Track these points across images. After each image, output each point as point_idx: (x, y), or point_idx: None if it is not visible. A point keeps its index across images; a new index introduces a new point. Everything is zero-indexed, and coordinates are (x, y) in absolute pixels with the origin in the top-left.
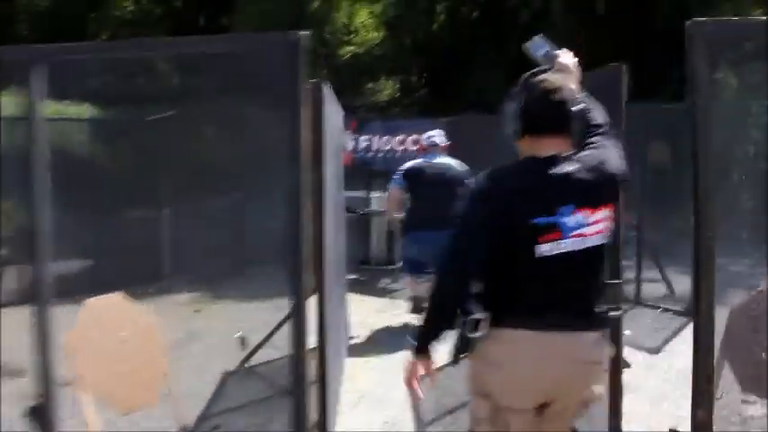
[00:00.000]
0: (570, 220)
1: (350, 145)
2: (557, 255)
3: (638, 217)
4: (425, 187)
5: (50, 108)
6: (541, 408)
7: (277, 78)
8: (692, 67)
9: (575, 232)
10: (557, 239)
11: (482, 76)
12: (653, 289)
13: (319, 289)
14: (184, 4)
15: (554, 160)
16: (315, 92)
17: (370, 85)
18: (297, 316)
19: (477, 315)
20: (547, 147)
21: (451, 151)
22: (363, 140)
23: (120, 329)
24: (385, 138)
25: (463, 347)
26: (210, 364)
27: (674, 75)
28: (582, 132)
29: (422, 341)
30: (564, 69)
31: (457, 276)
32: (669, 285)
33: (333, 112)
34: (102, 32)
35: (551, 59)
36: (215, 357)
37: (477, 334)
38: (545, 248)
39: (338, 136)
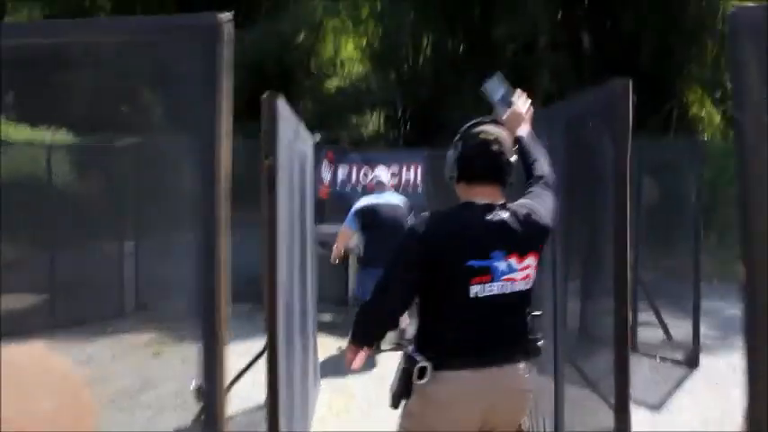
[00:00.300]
0: (501, 264)
1: (327, 177)
2: (488, 296)
3: (634, 256)
4: (379, 225)
5: (23, 133)
6: None
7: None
8: (736, 69)
9: (505, 276)
10: (488, 282)
11: (467, 110)
12: (648, 334)
13: (271, 338)
14: None
15: (489, 208)
16: (269, 107)
17: (355, 119)
18: (210, 394)
19: (422, 363)
20: (480, 193)
21: (434, 184)
22: (341, 173)
23: (40, 386)
24: (363, 170)
25: (406, 392)
26: (163, 417)
27: (660, 111)
28: (527, 177)
29: (352, 341)
30: (517, 113)
31: (382, 309)
32: (666, 331)
33: (293, 135)
34: None
35: (507, 104)
36: (168, 409)
37: (423, 381)
38: (477, 290)
39: (305, 163)
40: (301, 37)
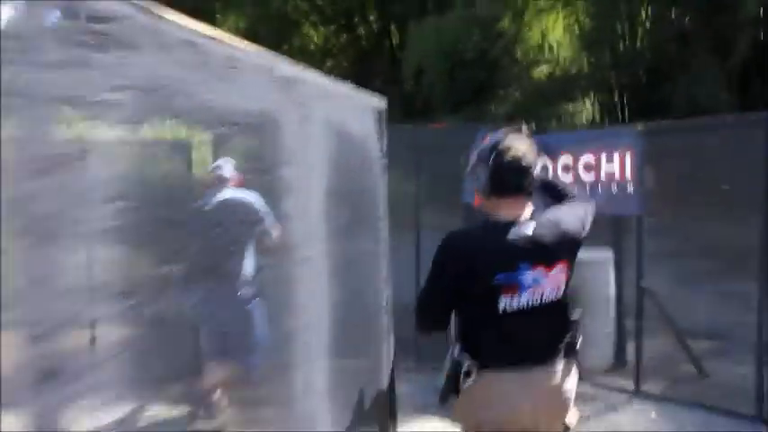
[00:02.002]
0: (528, 277)
1: (483, 176)
2: (516, 308)
3: None
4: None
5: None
6: None
7: None
8: None
9: (531, 288)
10: (515, 294)
11: (694, 84)
12: None
13: None
14: (366, 31)
15: (516, 222)
16: None
17: (567, 106)
18: None
19: (467, 365)
20: (510, 206)
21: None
22: None
23: None
24: (561, 159)
25: (453, 390)
26: None
27: None
28: (552, 194)
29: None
30: None
31: (426, 327)
32: None
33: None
34: None
35: None
36: None
37: (469, 381)
38: (505, 302)
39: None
40: (505, 21)
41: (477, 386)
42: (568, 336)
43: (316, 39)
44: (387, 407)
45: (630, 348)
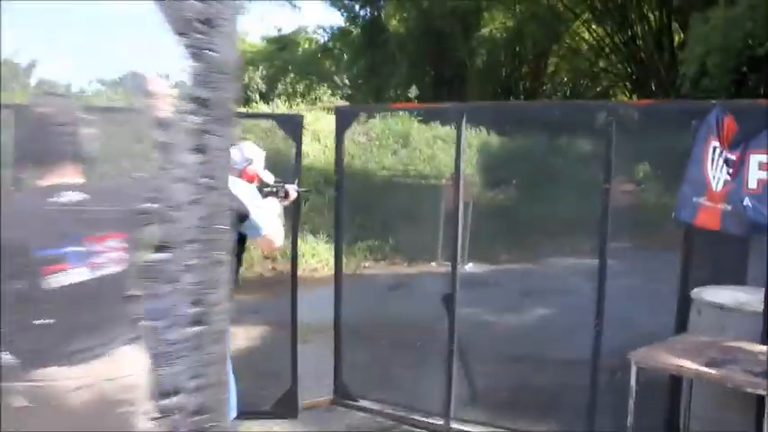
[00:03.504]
0: (78, 249)
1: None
2: (67, 286)
3: None
4: None
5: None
6: None
7: None
8: None
9: (85, 261)
10: (65, 270)
11: None
12: None
13: None
14: (643, 29)
15: (58, 188)
16: None
17: None
18: None
19: (8, 361)
20: (52, 176)
21: None
22: (724, 164)
23: None
24: None
25: None
26: None
27: None
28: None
29: None
30: (156, 94)
31: None
32: None
33: None
34: (560, 66)
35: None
36: None
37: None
38: (52, 280)
39: None
40: None
41: (27, 387)
42: (131, 317)
43: (588, 38)
44: None
45: None
